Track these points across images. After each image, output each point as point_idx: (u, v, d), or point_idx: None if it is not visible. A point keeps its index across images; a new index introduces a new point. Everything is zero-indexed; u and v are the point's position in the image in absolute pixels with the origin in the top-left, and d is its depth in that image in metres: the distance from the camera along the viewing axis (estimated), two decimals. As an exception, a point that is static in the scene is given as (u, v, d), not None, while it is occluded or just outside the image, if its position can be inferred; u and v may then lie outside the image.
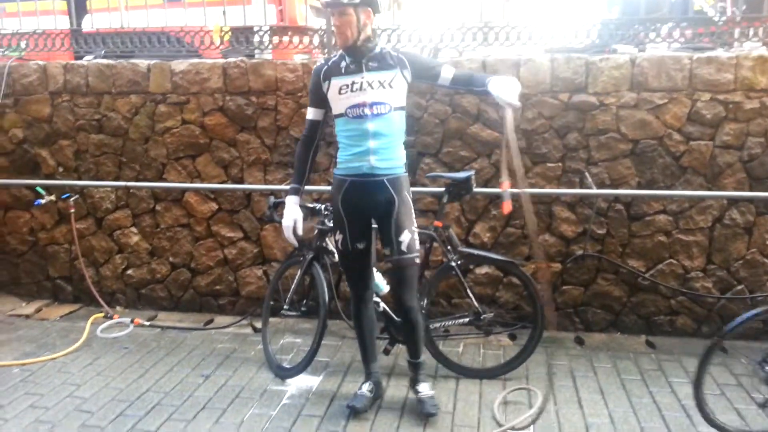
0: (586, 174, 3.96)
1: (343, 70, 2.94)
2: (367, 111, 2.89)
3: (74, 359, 3.82)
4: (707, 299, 3.96)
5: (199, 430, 3.00)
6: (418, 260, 3.04)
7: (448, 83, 2.99)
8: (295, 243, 3.18)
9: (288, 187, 3.27)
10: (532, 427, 3.01)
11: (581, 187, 3.99)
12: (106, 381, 3.53)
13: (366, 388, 3.20)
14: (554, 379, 3.47)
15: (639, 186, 3.95)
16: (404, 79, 2.95)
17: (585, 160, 4.00)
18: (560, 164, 4.03)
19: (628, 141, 3.93)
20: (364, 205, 2.99)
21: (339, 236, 3.08)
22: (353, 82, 2.91)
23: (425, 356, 3.26)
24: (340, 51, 2.99)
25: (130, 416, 3.14)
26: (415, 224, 3.04)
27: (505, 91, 2.85)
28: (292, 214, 3.12)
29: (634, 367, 3.60)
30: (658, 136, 3.89)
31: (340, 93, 2.92)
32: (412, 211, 3.03)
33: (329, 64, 3.00)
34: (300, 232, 3.13)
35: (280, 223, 3.76)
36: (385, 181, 2.95)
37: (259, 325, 4.22)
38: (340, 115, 2.97)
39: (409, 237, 2.97)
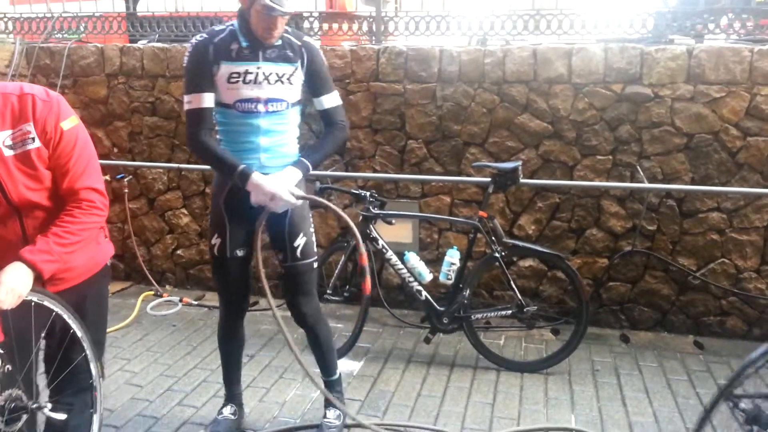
0: (638, 168, 3.86)
1: (234, 54, 2.43)
2: (260, 107, 2.46)
3: (125, 335, 3.96)
4: (760, 301, 3.83)
5: (244, 408, 3.07)
6: (315, 264, 2.74)
7: (321, 108, 2.62)
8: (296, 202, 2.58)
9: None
10: (573, 420, 2.98)
11: (632, 182, 3.90)
12: (155, 357, 3.66)
13: (228, 411, 2.87)
14: (597, 376, 3.43)
15: (692, 182, 3.83)
16: (301, 74, 2.54)
17: (637, 154, 3.90)
18: (610, 157, 3.94)
19: (682, 135, 3.81)
20: (252, 206, 2.51)
21: (216, 240, 2.63)
22: (247, 72, 2.43)
23: (467, 347, 3.25)
24: (228, 26, 2.49)
25: (177, 391, 3.24)
26: (312, 226, 2.75)
27: (270, 184, 2.41)
28: (275, 181, 2.47)
29: (681, 368, 3.52)
30: (714, 130, 3.76)
31: (229, 81, 2.42)
32: (308, 212, 2.74)
33: (215, 41, 2.44)
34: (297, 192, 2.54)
35: (326, 208, 3.82)
36: None
37: (301, 308, 4.29)
38: (227, 106, 2.47)
39: (304, 240, 2.65)
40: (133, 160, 4.73)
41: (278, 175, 2.49)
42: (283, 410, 3.07)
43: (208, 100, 2.43)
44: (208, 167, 4.53)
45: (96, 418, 1.93)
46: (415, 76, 4.10)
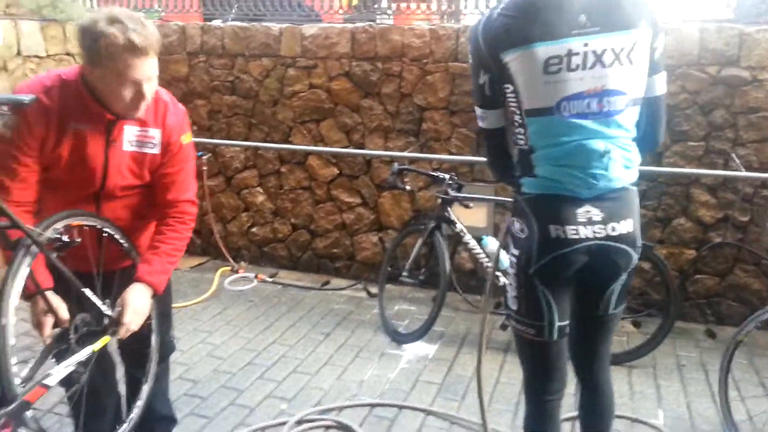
0: (733, 156, 3.65)
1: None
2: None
3: (205, 308, 4.07)
4: None
5: (323, 385, 3.11)
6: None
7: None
8: None
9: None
10: (661, 415, 2.88)
11: (725, 170, 3.70)
12: (235, 330, 3.74)
13: None
14: (683, 372, 3.30)
15: (793, 171, 3.60)
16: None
17: (731, 141, 3.69)
18: (703, 143, 3.75)
19: (784, 121, 3.58)
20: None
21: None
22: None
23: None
24: None
25: (258, 365, 3.31)
26: None
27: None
28: None
29: (774, 366, 3.34)
30: (822, 116, 3.51)
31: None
32: None
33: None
34: None
35: (403, 189, 3.81)
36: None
37: (373, 290, 4.31)
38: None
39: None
40: (212, 138, 4.83)
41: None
42: (362, 388, 3.09)
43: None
44: (285, 146, 4.60)
45: (145, 389, 1.93)
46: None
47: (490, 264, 3.48)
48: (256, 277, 4.58)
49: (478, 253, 3.50)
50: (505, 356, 3.44)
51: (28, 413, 1.46)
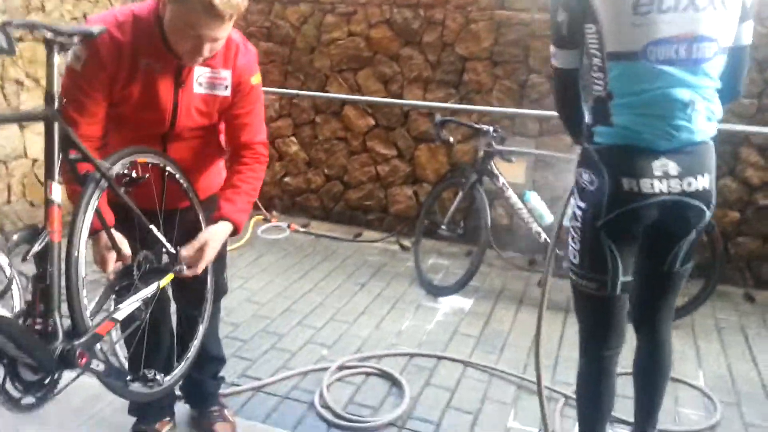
0: (788, 115, 3.53)
1: None
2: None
3: (240, 255, 4.10)
4: None
5: (362, 333, 3.14)
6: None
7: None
8: None
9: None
10: (701, 375, 2.87)
11: (778, 130, 3.57)
12: (271, 278, 3.77)
13: None
14: (723, 334, 3.27)
15: None
16: None
17: (787, 100, 3.56)
18: (756, 101, 3.62)
19: None
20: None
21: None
22: None
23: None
24: None
25: (296, 312, 3.34)
26: None
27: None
28: None
29: (817, 332, 3.30)
30: None
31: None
32: None
33: None
34: None
35: (446, 141, 3.74)
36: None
37: (406, 243, 4.31)
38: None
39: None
40: (247, 86, 4.76)
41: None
42: (400, 338, 3.11)
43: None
44: (321, 94, 4.53)
45: (201, 329, 1.93)
46: (544, 3, 3.86)
47: (531, 220, 3.45)
48: (288, 226, 4.60)
49: (519, 209, 3.45)
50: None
51: (99, 345, 1.48)
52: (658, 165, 1.62)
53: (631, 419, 2.09)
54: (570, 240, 1.81)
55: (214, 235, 1.77)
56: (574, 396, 2.54)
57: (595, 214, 1.69)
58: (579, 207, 1.76)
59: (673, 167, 1.62)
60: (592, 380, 1.91)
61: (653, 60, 1.57)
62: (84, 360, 1.38)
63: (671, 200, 1.64)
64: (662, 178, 1.62)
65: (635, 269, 1.80)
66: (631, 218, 1.67)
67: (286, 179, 4.87)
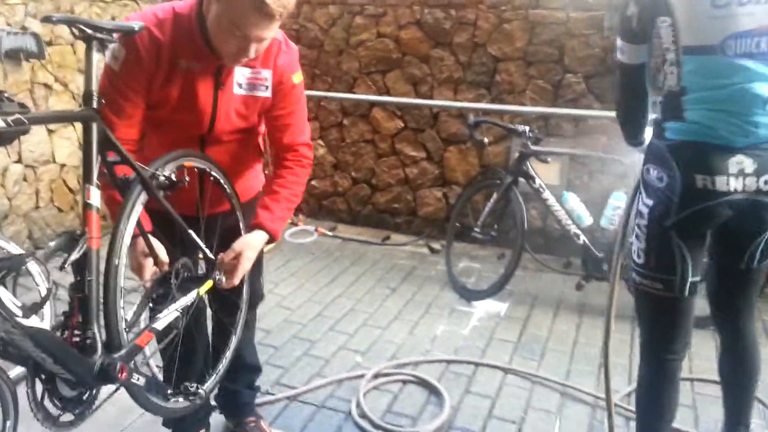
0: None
1: None
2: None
3: (269, 259, 4.03)
4: None
5: (395, 338, 3.06)
6: None
7: None
8: None
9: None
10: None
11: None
12: (300, 282, 3.71)
13: None
14: (773, 339, 3.13)
15: None
16: None
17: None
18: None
19: None
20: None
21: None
22: None
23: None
24: None
25: (328, 317, 3.27)
26: None
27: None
28: None
29: None
30: None
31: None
32: None
33: None
34: None
35: (480, 143, 3.66)
36: None
37: (435, 246, 4.23)
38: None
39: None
40: (274, 89, 4.73)
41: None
42: (435, 344, 3.03)
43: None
44: (349, 96, 4.46)
45: (234, 339, 1.85)
46: (580, 2, 3.75)
47: (569, 221, 3.34)
48: (316, 230, 4.54)
49: (557, 210, 3.35)
50: (581, 317, 3.33)
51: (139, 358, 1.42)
52: (734, 162, 1.54)
53: (692, 430, 2.00)
54: (634, 239, 1.73)
55: (249, 245, 1.70)
56: (623, 404, 2.45)
57: (664, 212, 1.62)
58: (645, 204, 1.68)
59: (749, 164, 1.54)
60: (653, 387, 1.82)
61: (731, 54, 1.50)
62: (124, 374, 1.32)
63: (745, 199, 1.56)
64: (738, 175, 1.54)
65: (711, 269, 1.74)
66: (704, 217, 1.59)
67: (313, 182, 4.82)
